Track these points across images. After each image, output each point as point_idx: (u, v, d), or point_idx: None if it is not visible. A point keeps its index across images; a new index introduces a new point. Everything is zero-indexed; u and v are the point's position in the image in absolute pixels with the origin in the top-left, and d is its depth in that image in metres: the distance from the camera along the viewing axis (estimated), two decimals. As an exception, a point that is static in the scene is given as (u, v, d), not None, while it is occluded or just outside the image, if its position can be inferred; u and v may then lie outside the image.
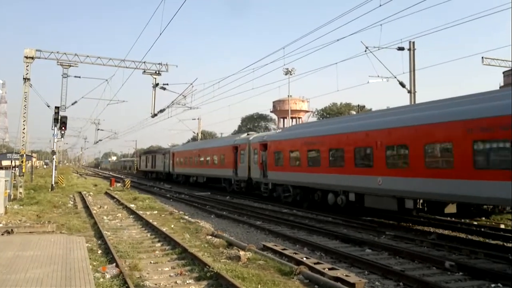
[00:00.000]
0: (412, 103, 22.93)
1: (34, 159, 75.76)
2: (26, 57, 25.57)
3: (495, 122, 11.19)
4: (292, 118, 71.60)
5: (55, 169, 35.40)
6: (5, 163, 57.24)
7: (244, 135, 31.30)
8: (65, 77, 27.62)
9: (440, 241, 12.27)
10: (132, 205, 22.14)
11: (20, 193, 24.47)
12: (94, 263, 9.40)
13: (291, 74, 44.95)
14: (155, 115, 31.66)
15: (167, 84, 29.86)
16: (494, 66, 29.41)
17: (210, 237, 13.00)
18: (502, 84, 64.16)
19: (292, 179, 21.36)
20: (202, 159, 36.88)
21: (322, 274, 8.33)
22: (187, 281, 8.37)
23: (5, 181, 17.51)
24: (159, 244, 12.33)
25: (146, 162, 62.44)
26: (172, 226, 15.49)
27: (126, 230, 14.85)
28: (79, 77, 30.02)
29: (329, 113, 69.97)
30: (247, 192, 28.94)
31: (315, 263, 9.17)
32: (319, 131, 19.55)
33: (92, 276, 7.89)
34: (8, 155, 57.49)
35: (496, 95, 12.22)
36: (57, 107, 29.07)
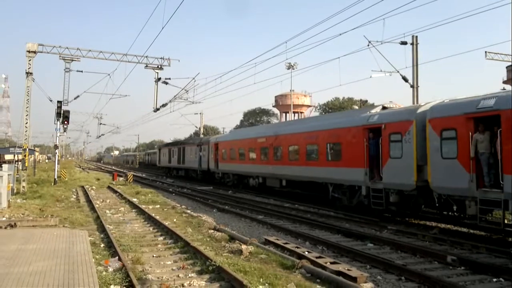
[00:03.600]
0: (415, 97, 22.76)
1: (36, 153, 75.91)
2: (28, 52, 25.55)
3: None
4: (294, 112, 71.54)
5: (58, 163, 35.57)
6: (8, 157, 57.48)
7: (378, 108, 16.95)
8: (68, 72, 27.67)
9: (442, 236, 12.28)
10: (134, 199, 22.22)
11: (23, 187, 24.55)
12: (97, 257, 9.45)
13: (293, 69, 44.95)
14: (158, 109, 31.71)
15: (169, 79, 29.89)
16: (498, 61, 29.27)
17: (212, 231, 13.04)
18: (505, 78, 63.85)
19: None
20: (279, 151, 23.12)
21: (324, 268, 8.36)
22: (190, 275, 8.40)
23: (8, 175, 17.58)
24: (161, 238, 12.38)
25: (170, 157, 47.71)
26: (175, 220, 15.55)
27: (129, 224, 14.91)
28: (82, 71, 30.04)
29: (332, 107, 69.87)
30: (399, 214, 15.42)
31: (317, 257, 9.19)
32: None
33: (95, 270, 7.93)
34: (11, 149, 57.56)
35: None
36: (59, 101, 29.16)
